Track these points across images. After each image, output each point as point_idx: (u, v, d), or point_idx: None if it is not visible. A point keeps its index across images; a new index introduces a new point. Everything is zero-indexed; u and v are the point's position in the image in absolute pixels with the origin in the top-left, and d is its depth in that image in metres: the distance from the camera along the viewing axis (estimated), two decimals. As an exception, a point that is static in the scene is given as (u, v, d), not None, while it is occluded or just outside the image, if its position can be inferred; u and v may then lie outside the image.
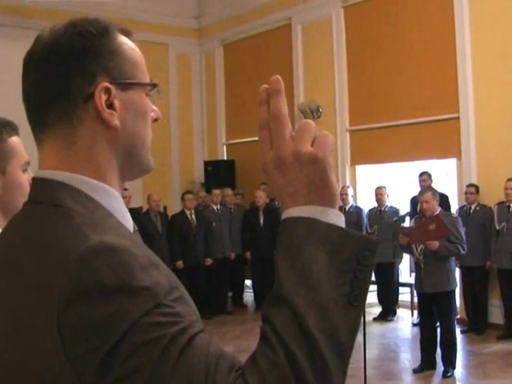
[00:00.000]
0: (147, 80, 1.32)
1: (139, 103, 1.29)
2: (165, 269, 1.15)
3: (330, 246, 1.11)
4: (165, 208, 12.82)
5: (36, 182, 1.29)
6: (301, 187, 1.15)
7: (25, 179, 2.28)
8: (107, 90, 1.24)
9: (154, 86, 1.33)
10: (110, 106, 1.24)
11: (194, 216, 11.89)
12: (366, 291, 1.14)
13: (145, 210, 11.74)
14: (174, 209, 13.13)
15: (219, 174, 13.77)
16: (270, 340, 1.07)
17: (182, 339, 1.06)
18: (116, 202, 1.28)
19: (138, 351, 1.03)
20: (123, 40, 1.30)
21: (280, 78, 1.17)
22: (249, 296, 13.29)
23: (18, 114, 2.62)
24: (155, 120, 1.35)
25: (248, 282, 13.34)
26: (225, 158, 14.86)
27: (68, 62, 1.23)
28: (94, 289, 1.05)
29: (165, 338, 1.04)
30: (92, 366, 1.04)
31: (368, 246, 1.14)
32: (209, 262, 11.88)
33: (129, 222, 1.30)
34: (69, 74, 1.23)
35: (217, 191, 12.52)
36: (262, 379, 1.04)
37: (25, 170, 2.31)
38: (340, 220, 1.16)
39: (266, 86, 1.17)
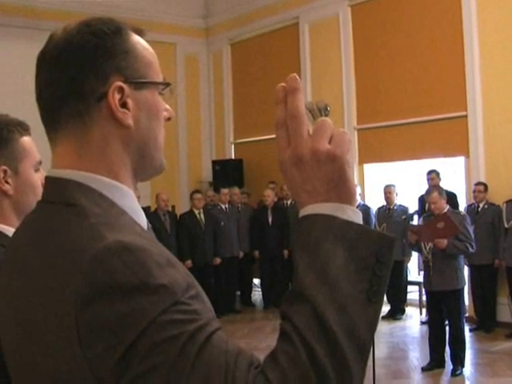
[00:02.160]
0: (160, 79, 1.32)
1: (152, 102, 1.29)
2: (180, 266, 1.15)
3: (347, 243, 1.12)
4: (173, 207, 12.83)
5: (49, 181, 1.28)
6: (319, 185, 1.15)
7: (37, 179, 2.29)
8: (120, 90, 1.24)
9: (166, 84, 1.33)
10: (124, 105, 1.24)
11: (202, 215, 11.89)
12: (384, 288, 1.14)
13: (153, 209, 11.75)
14: (182, 208, 13.14)
15: (227, 173, 13.76)
16: (290, 337, 1.07)
17: (201, 337, 1.06)
18: (129, 200, 1.28)
19: (156, 349, 1.03)
20: (136, 39, 1.30)
21: (297, 76, 1.17)
22: (257, 295, 13.29)
23: (29, 113, 2.64)
24: (168, 119, 1.35)
25: (256, 281, 13.35)
26: (233, 157, 14.85)
27: (81, 61, 1.23)
28: (110, 288, 1.05)
29: (183, 335, 1.04)
30: (110, 364, 1.04)
31: (385, 242, 1.14)
32: (217, 261, 11.90)
33: (142, 220, 1.30)
34: (82, 73, 1.22)
35: (225, 190, 12.53)
36: (283, 375, 1.04)
37: (37, 170, 2.31)
38: (358, 217, 1.16)
39: (283, 84, 1.17)
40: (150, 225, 1.39)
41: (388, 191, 11.11)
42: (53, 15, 12.07)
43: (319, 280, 1.09)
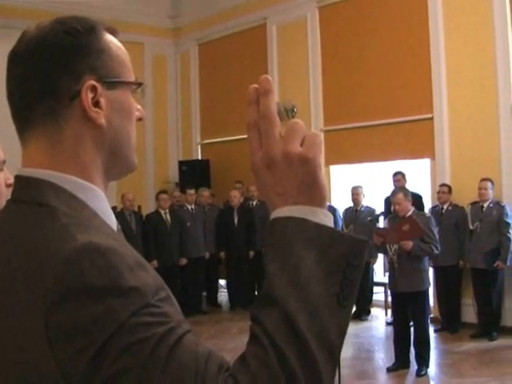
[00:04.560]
0: (133, 79, 1.32)
1: (125, 102, 1.29)
2: (151, 269, 1.14)
3: (319, 246, 1.12)
4: (139, 207, 12.78)
5: (19, 180, 1.26)
6: (290, 187, 1.15)
7: (0, 178, 2.26)
8: (93, 89, 1.23)
9: (139, 84, 1.33)
10: (96, 104, 1.23)
11: (168, 216, 11.86)
12: (355, 291, 1.14)
13: (119, 209, 11.67)
14: (148, 208, 13.10)
15: (194, 173, 13.74)
16: (261, 340, 1.07)
17: (171, 339, 1.05)
18: (101, 202, 1.27)
19: (126, 351, 1.03)
20: (110, 38, 1.29)
21: (269, 77, 1.17)
22: (223, 296, 13.29)
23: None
24: (139, 119, 1.35)
25: (222, 282, 13.34)
26: (199, 157, 14.83)
27: (54, 59, 1.21)
28: (81, 289, 1.04)
29: (153, 338, 1.04)
30: (80, 367, 1.03)
31: (357, 246, 1.14)
32: (183, 261, 11.88)
33: (113, 222, 1.29)
34: (55, 71, 1.21)
35: (191, 191, 12.49)
36: (253, 378, 1.04)
37: (0, 170, 2.28)
38: (329, 220, 1.16)
39: (255, 85, 1.17)
40: (119, 226, 1.38)
41: (355, 192, 11.16)
42: (22, 13, 11.95)
43: (290, 283, 1.09)
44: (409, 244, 7.59)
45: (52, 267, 1.07)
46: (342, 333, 1.13)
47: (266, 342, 1.06)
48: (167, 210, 11.91)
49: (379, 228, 9.30)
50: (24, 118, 1.26)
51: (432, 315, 9.77)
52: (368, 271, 11.00)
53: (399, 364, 8.02)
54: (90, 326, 1.03)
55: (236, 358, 1.09)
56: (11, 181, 1.25)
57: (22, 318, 1.09)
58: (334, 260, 1.12)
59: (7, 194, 2.12)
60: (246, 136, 1.19)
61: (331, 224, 1.16)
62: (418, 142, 10.84)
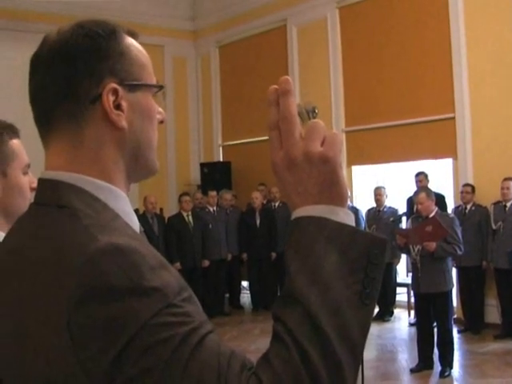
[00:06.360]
0: (153, 82, 1.32)
1: (146, 105, 1.30)
2: (173, 269, 1.15)
3: (340, 245, 1.12)
4: (161, 210, 12.81)
5: (42, 183, 1.28)
6: (311, 187, 1.15)
7: (25, 182, 2.28)
8: (115, 92, 1.24)
9: (160, 87, 1.34)
10: (118, 107, 1.24)
11: (190, 218, 11.88)
12: (377, 290, 1.14)
13: (141, 212, 11.71)
14: (170, 211, 13.12)
15: (215, 175, 13.74)
16: (283, 339, 1.07)
17: (193, 339, 1.06)
18: (122, 203, 1.28)
19: (148, 351, 1.03)
20: (130, 42, 1.30)
21: (289, 78, 1.18)
22: (246, 297, 13.28)
23: (18, 116, 2.62)
24: (161, 122, 1.35)
25: (245, 283, 13.34)
26: (221, 159, 14.84)
27: (76, 63, 1.22)
28: (103, 289, 1.05)
29: (175, 338, 1.04)
30: (102, 366, 1.04)
31: (377, 244, 1.14)
32: (206, 263, 11.89)
33: (135, 223, 1.29)
34: (76, 75, 1.22)
35: (213, 193, 12.51)
36: (276, 377, 1.04)
37: (25, 173, 2.30)
38: (350, 219, 1.16)
39: (275, 86, 1.17)
40: (142, 228, 1.39)
41: (378, 193, 11.14)
42: (40, 17, 12.03)
43: (311, 282, 1.09)
44: (432, 245, 7.54)
45: (74, 268, 1.07)
46: (365, 331, 1.12)
47: (288, 341, 1.06)
48: (189, 212, 11.93)
49: (402, 229, 9.26)
50: (46, 121, 1.27)
51: (455, 316, 9.72)
52: (391, 272, 10.96)
53: (423, 365, 7.98)
54: (112, 325, 1.04)
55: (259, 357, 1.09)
56: (36, 184, 1.27)
57: (45, 318, 1.10)
58: (355, 258, 1.12)
59: (32, 197, 2.15)
60: (267, 137, 1.19)
61: (352, 223, 1.16)
62: (440, 142, 10.79)
